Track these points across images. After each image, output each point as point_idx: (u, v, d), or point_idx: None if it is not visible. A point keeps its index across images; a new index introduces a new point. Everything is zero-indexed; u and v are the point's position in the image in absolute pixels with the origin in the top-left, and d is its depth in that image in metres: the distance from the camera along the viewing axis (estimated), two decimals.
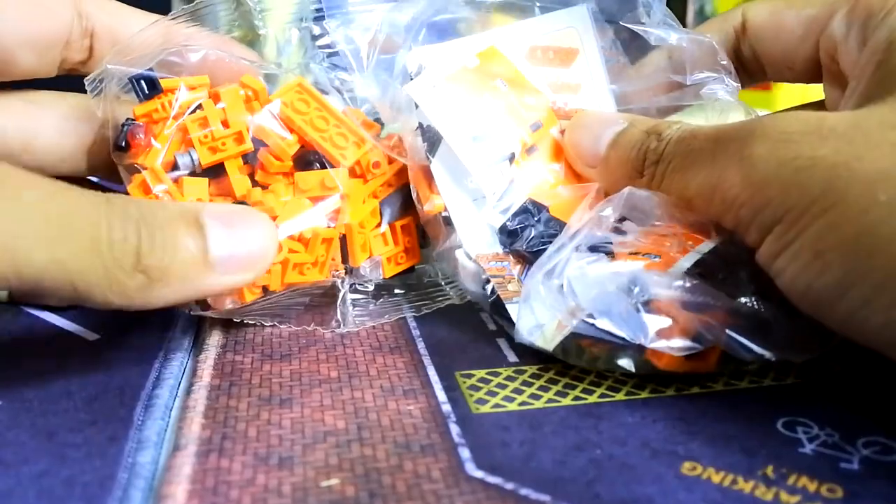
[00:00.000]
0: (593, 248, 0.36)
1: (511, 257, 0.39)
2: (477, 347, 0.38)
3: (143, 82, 0.39)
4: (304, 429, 0.31)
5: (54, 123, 0.41)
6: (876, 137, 0.30)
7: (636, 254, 0.36)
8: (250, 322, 0.39)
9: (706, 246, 0.36)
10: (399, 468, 0.29)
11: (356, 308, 0.41)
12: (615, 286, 0.34)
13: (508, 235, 0.39)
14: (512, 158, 0.40)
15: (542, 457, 0.30)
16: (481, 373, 0.36)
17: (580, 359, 0.34)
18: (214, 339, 0.38)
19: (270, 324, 0.39)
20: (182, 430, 0.31)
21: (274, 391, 0.34)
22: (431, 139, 0.40)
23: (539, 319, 0.35)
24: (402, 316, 0.41)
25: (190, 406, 0.33)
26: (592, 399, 0.33)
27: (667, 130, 0.37)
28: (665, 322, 0.33)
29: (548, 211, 0.40)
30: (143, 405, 0.33)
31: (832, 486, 0.28)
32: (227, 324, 0.40)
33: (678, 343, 0.33)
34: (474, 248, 0.39)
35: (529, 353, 0.36)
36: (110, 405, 0.33)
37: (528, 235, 0.39)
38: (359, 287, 0.42)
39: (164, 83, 0.39)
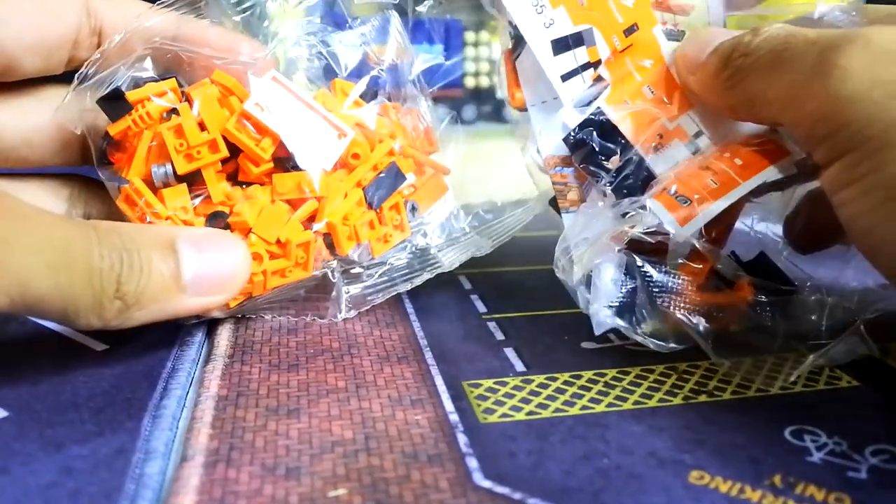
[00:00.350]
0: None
1: (574, 166, 0.40)
2: (484, 357, 0.38)
3: (111, 102, 0.39)
4: (311, 439, 0.31)
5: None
6: None
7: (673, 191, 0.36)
8: (250, 316, 0.41)
9: (748, 185, 0.36)
10: (406, 478, 0.29)
11: (350, 286, 0.43)
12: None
13: (572, 147, 0.39)
14: (598, 65, 0.40)
15: (550, 467, 0.29)
16: (489, 382, 0.35)
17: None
18: (222, 350, 0.38)
19: (269, 317, 0.41)
20: (189, 441, 0.31)
21: (281, 401, 0.34)
22: (518, 38, 0.40)
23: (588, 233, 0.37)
24: (397, 292, 0.43)
25: (197, 417, 0.33)
26: (600, 409, 0.33)
27: (766, 28, 0.35)
28: None
29: (612, 126, 0.39)
30: (150, 416, 0.33)
31: (840, 496, 0.28)
32: (235, 334, 0.40)
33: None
34: (547, 149, 0.40)
35: (537, 363, 0.36)
36: (118, 416, 0.33)
37: (587, 151, 0.39)
38: (350, 271, 0.43)
39: (132, 95, 0.39)
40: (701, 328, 0.35)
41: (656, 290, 0.36)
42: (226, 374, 0.36)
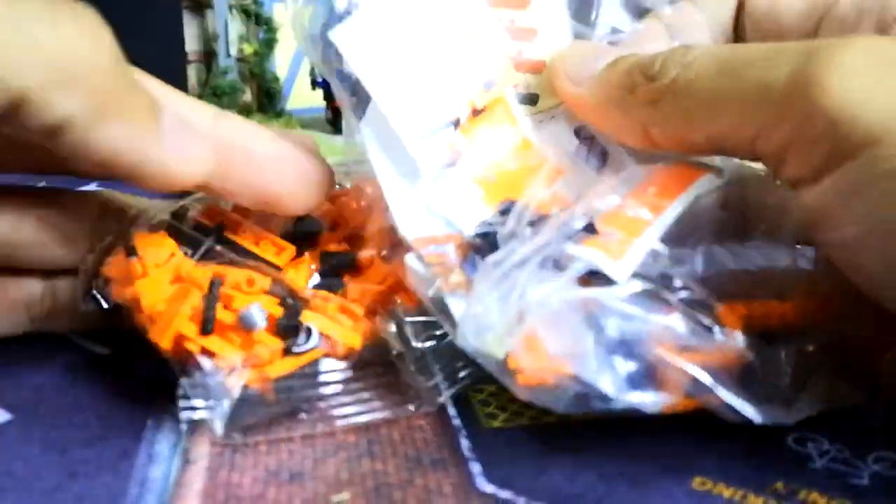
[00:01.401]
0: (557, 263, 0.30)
1: (451, 241, 0.33)
2: None
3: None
4: (314, 443, 0.31)
5: None
6: None
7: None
8: None
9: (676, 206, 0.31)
10: (409, 483, 0.29)
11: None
12: (578, 320, 0.29)
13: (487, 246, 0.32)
14: (457, 124, 0.35)
15: (553, 472, 0.30)
16: (492, 387, 0.35)
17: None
18: None
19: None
20: (193, 445, 0.31)
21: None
22: (361, 97, 0.34)
23: (488, 321, 0.30)
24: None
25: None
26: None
27: (685, 51, 0.32)
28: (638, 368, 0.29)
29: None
30: (154, 419, 0.33)
31: (842, 502, 0.28)
32: None
33: (652, 398, 0.29)
34: (409, 230, 0.34)
35: None
36: (122, 420, 0.33)
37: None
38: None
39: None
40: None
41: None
42: None
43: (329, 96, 0.95)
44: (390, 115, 0.34)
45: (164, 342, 0.31)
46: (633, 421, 0.32)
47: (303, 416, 0.33)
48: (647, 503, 0.28)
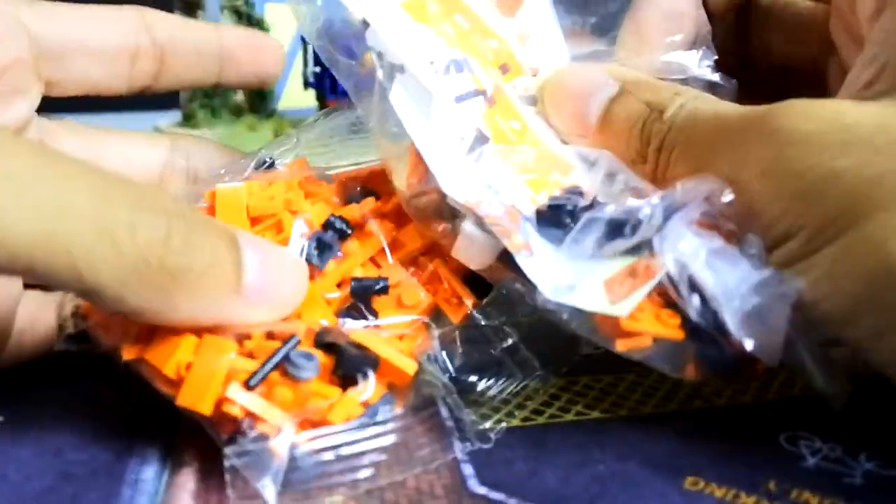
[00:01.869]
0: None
1: (502, 206, 0.33)
2: None
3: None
4: None
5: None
6: None
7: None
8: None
9: None
10: (401, 484, 0.29)
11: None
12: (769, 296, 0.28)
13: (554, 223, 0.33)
14: (485, 95, 0.35)
15: (545, 473, 0.30)
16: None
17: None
18: None
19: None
20: (185, 447, 0.31)
21: None
22: (389, 67, 0.35)
23: (570, 280, 0.31)
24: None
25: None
26: (595, 414, 0.33)
27: (670, 108, 0.32)
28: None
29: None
30: (147, 421, 0.33)
31: (835, 501, 0.28)
32: None
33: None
34: (458, 194, 0.33)
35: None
36: (115, 421, 0.33)
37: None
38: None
39: None
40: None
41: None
42: None
43: (321, 97, 0.94)
44: (423, 77, 0.34)
45: (205, 408, 0.28)
46: (626, 421, 0.33)
47: (367, 472, 0.29)
48: (640, 503, 0.28)
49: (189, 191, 0.37)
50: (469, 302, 0.34)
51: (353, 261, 0.34)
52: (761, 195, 0.29)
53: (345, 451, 0.28)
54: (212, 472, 0.29)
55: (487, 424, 0.32)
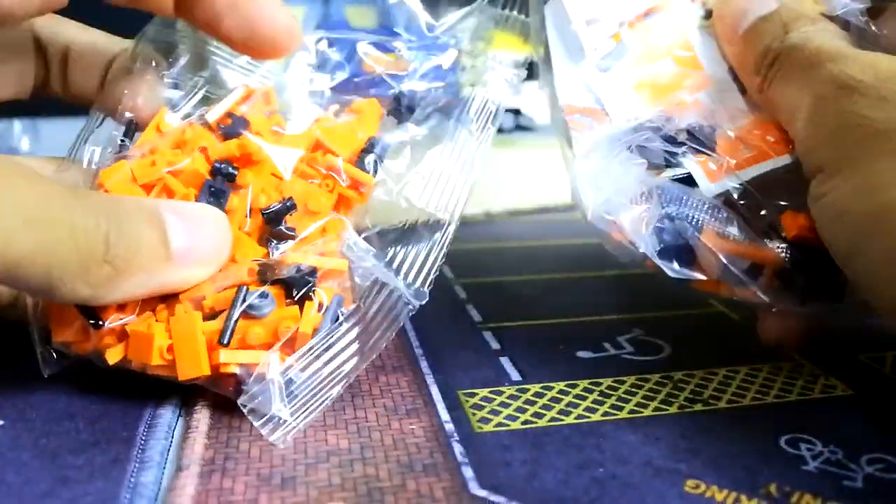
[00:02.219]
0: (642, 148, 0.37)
1: (596, 116, 0.39)
2: (480, 366, 0.38)
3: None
4: (306, 448, 0.31)
5: None
6: None
7: (704, 152, 0.36)
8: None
9: (776, 162, 0.36)
10: (402, 487, 0.29)
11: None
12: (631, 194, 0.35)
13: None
14: (623, 22, 0.40)
15: (545, 476, 0.29)
16: (484, 391, 0.36)
17: None
18: None
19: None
20: (185, 451, 0.31)
21: None
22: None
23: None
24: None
25: (193, 426, 0.33)
26: (595, 418, 0.33)
27: (792, 32, 0.36)
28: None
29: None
30: (145, 425, 0.33)
31: None
32: None
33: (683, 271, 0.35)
34: (566, 98, 0.40)
35: (533, 373, 0.37)
36: (113, 426, 0.33)
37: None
38: None
39: None
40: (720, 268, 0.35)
41: (677, 223, 0.35)
42: None
43: None
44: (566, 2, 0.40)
45: (204, 371, 0.32)
46: (626, 424, 0.33)
47: (350, 365, 0.33)
48: None
49: (86, 177, 0.37)
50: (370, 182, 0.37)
51: (255, 190, 0.36)
52: (807, 126, 0.33)
53: (325, 356, 0.33)
54: (212, 475, 0.29)
55: (487, 428, 0.33)
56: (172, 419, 0.33)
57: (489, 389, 0.36)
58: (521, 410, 0.34)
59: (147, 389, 0.35)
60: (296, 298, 0.33)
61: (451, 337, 0.41)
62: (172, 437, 0.32)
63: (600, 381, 0.36)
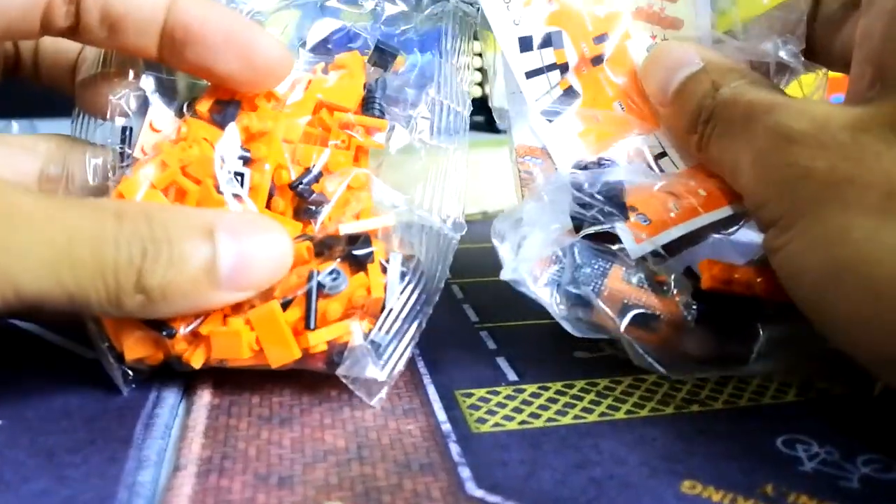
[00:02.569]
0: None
1: (543, 159, 0.40)
2: (477, 366, 0.38)
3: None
4: (304, 448, 0.31)
5: None
6: (870, 153, 0.30)
7: (633, 208, 0.36)
8: None
9: (706, 218, 0.36)
10: (399, 487, 0.29)
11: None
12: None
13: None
14: (565, 69, 0.40)
15: (542, 476, 0.30)
16: (481, 392, 0.36)
17: None
18: None
19: None
20: (182, 450, 0.31)
21: (274, 410, 0.34)
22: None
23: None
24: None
25: (190, 425, 0.33)
26: (592, 418, 0.33)
27: (724, 87, 0.36)
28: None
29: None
30: (142, 424, 0.33)
31: None
32: None
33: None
34: (518, 138, 0.40)
35: (530, 372, 0.37)
36: (110, 424, 0.33)
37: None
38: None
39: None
40: (623, 327, 0.35)
41: (585, 272, 0.36)
42: (218, 383, 0.36)
43: None
44: (507, 52, 0.40)
45: (295, 355, 0.34)
46: (623, 424, 0.33)
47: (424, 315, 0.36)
48: None
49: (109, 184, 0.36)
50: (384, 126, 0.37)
51: (272, 165, 0.36)
52: (752, 182, 0.33)
53: (402, 312, 0.35)
54: (209, 475, 0.29)
55: (484, 428, 0.33)
56: (170, 418, 0.33)
57: (486, 389, 0.36)
58: (518, 410, 0.34)
59: (144, 388, 0.35)
60: (365, 268, 0.34)
61: (447, 337, 0.41)
62: (170, 436, 0.32)
63: (597, 381, 0.36)
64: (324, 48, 0.40)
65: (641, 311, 0.35)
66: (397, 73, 0.40)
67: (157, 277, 0.30)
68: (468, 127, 0.39)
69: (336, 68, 0.39)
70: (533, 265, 0.36)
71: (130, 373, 0.35)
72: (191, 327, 0.33)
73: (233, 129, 0.36)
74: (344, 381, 0.34)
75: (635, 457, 0.31)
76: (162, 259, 0.30)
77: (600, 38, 0.40)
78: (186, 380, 0.36)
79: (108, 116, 0.37)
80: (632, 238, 0.36)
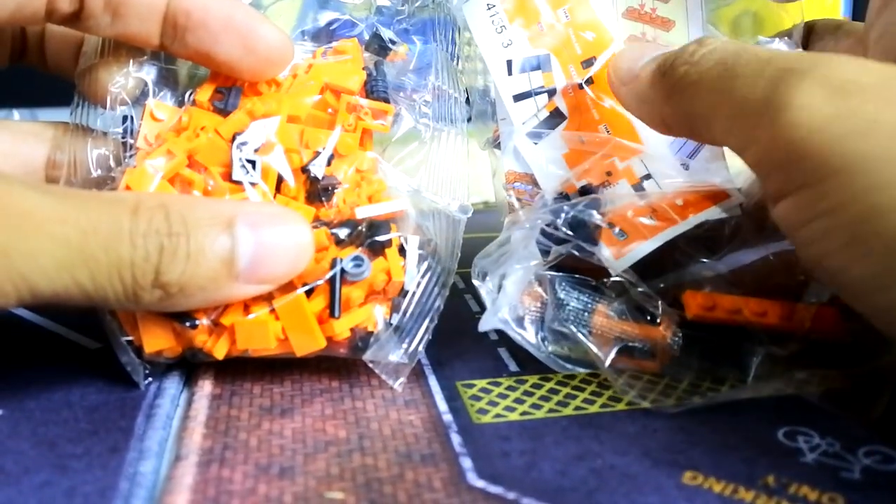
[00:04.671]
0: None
1: (532, 184, 0.40)
2: (478, 357, 0.38)
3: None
4: (305, 438, 0.31)
5: None
6: None
7: (612, 224, 0.36)
8: None
9: (685, 225, 0.36)
10: (400, 478, 0.29)
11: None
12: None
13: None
14: (552, 92, 0.40)
15: (544, 467, 0.30)
16: (482, 382, 0.36)
17: None
18: None
19: None
20: (183, 440, 0.31)
21: (275, 401, 0.34)
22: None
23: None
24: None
25: (191, 416, 0.33)
26: (593, 409, 0.33)
27: (712, 39, 0.33)
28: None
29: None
30: (144, 415, 0.33)
31: (833, 496, 0.28)
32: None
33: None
34: (506, 164, 0.40)
35: (531, 364, 0.36)
36: (111, 415, 0.33)
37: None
38: None
39: None
40: (608, 361, 0.35)
41: (569, 309, 0.36)
42: (219, 374, 0.36)
43: None
44: (495, 75, 0.40)
45: (320, 344, 0.34)
46: (625, 415, 0.33)
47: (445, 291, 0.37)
48: (638, 497, 0.28)
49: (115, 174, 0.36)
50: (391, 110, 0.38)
51: (284, 146, 0.36)
52: (786, 131, 0.28)
53: (421, 294, 0.36)
54: (210, 465, 0.29)
55: (486, 419, 0.33)
56: (171, 409, 0.33)
57: (487, 380, 0.36)
58: (520, 401, 0.34)
59: (146, 379, 0.35)
60: (384, 252, 0.35)
61: (449, 327, 0.41)
62: (171, 426, 0.32)
63: (598, 372, 0.36)
64: (323, 35, 0.41)
65: (628, 343, 0.35)
66: (394, 62, 0.40)
67: (174, 273, 0.30)
68: (466, 113, 0.40)
69: (336, 54, 0.39)
70: (516, 304, 0.36)
71: (148, 366, 0.35)
72: (213, 317, 0.33)
73: (260, 123, 0.35)
74: (371, 365, 0.35)
75: (636, 448, 0.31)
76: (180, 254, 0.30)
77: (588, 63, 0.40)
78: (188, 370, 0.36)
79: (107, 105, 0.37)
80: (610, 254, 0.35)
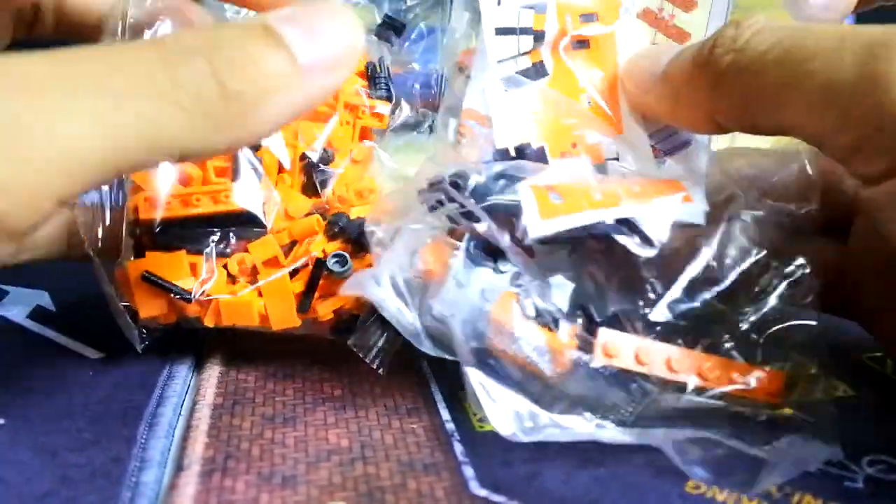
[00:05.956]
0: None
1: (486, 125, 0.36)
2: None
3: None
4: (307, 447, 0.31)
5: None
6: None
7: (551, 187, 0.32)
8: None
9: (635, 209, 0.32)
10: (402, 487, 0.29)
11: None
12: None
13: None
14: (540, 37, 0.36)
15: (546, 475, 0.29)
16: None
17: None
18: (217, 358, 0.38)
19: None
20: (186, 450, 0.31)
21: (277, 410, 0.34)
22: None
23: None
24: None
25: (193, 425, 0.33)
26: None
27: (751, 21, 0.30)
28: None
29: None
30: (146, 424, 0.33)
31: None
32: (229, 342, 0.39)
33: None
34: (471, 101, 0.36)
35: None
36: (113, 424, 0.33)
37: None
38: None
39: None
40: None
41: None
42: (221, 382, 0.36)
43: None
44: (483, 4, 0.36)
45: (295, 322, 0.36)
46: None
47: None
48: None
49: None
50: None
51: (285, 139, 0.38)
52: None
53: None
54: (212, 475, 0.29)
55: (488, 427, 0.32)
56: (173, 418, 0.33)
57: None
58: None
59: (148, 388, 0.35)
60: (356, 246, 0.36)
61: None
62: (173, 436, 0.32)
63: None
64: None
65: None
66: (402, 46, 0.40)
67: (237, 78, 0.27)
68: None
69: None
70: (398, 268, 0.32)
71: (144, 331, 0.36)
72: (203, 290, 0.35)
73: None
74: (354, 349, 0.34)
75: (640, 457, 0.31)
76: (235, 62, 0.27)
77: (589, 17, 0.37)
78: (191, 379, 0.36)
79: None
80: (536, 212, 0.31)
